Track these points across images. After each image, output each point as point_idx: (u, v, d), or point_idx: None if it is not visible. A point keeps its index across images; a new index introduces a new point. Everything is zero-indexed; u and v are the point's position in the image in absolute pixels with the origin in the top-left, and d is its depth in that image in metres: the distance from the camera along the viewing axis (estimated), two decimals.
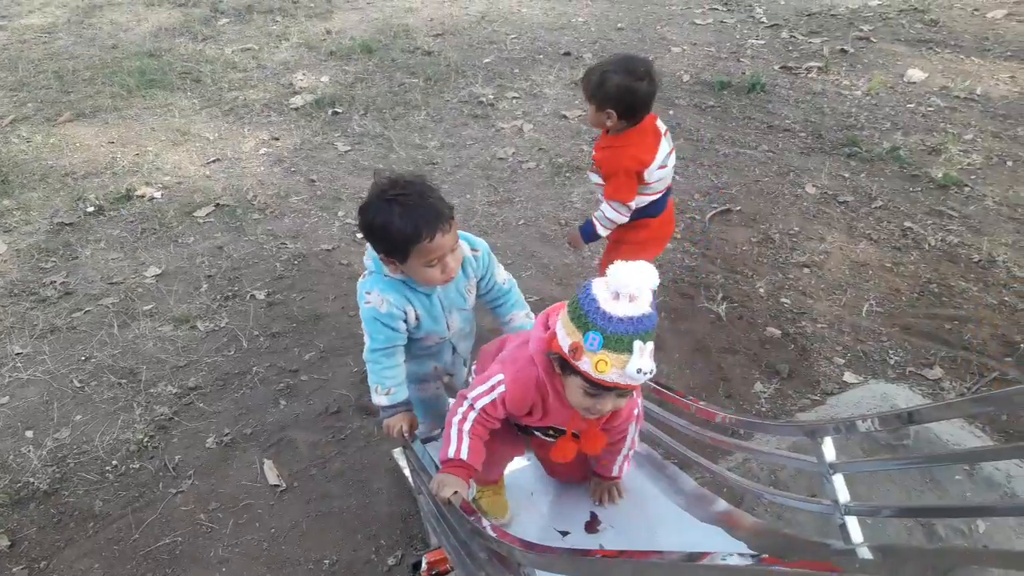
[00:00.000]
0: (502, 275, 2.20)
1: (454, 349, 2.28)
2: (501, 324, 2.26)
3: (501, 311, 2.23)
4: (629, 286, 1.48)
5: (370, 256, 2.05)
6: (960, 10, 6.80)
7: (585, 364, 1.50)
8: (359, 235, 2.07)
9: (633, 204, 2.72)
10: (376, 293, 2.01)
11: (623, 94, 2.55)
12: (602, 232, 2.81)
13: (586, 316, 1.49)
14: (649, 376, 1.52)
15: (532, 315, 2.22)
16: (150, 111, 5.45)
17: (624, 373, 1.48)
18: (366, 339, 2.05)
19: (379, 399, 2.08)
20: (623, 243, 2.89)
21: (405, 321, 2.04)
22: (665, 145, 2.70)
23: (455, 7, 7.65)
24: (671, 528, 1.96)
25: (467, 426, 1.73)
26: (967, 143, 4.51)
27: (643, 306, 1.50)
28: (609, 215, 2.73)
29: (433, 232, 1.83)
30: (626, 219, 2.76)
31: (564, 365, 1.58)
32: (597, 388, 1.54)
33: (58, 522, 2.47)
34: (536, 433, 1.87)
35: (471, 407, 1.73)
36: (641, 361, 1.48)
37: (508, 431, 1.91)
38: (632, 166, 2.63)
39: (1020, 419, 2.69)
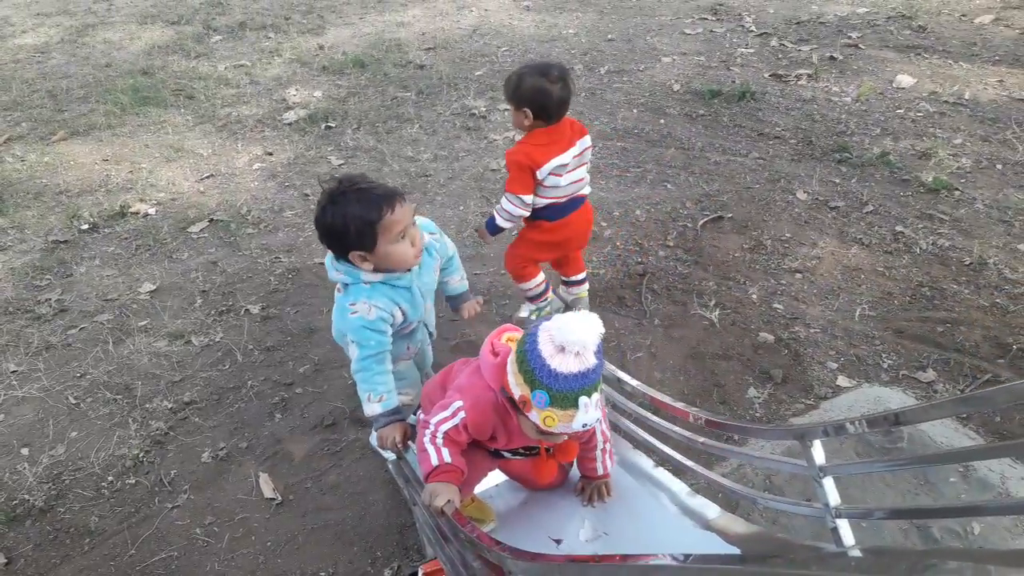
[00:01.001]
0: (452, 246, 2.37)
1: (426, 326, 2.39)
2: (440, 285, 2.36)
3: (442, 275, 2.35)
4: (574, 342, 1.49)
5: (337, 269, 2.08)
6: (947, 16, 6.86)
7: (533, 417, 1.55)
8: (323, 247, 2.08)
9: (529, 200, 2.84)
10: (362, 302, 2.04)
11: (536, 95, 2.70)
12: (502, 223, 2.91)
13: (533, 373, 1.51)
14: (593, 424, 1.57)
15: (466, 279, 2.44)
16: (144, 128, 5.47)
17: (570, 426, 1.54)
18: (354, 351, 2.08)
19: (372, 408, 2.09)
20: (522, 240, 3.09)
21: (392, 323, 2.09)
22: (573, 155, 2.82)
23: (447, 21, 7.70)
24: (665, 535, 1.96)
25: (439, 440, 1.75)
26: (956, 147, 4.54)
27: (588, 359, 1.51)
28: (505, 206, 2.87)
29: (392, 205, 1.92)
30: (523, 212, 2.88)
31: (514, 404, 1.61)
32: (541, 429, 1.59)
33: (54, 539, 2.47)
34: (506, 455, 1.90)
35: (435, 433, 1.75)
36: (586, 416, 1.53)
37: (476, 451, 1.92)
38: (522, 161, 2.76)
39: (1013, 420, 2.70)
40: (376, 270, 2.04)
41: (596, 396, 1.54)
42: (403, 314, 2.14)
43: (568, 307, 3.35)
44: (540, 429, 1.57)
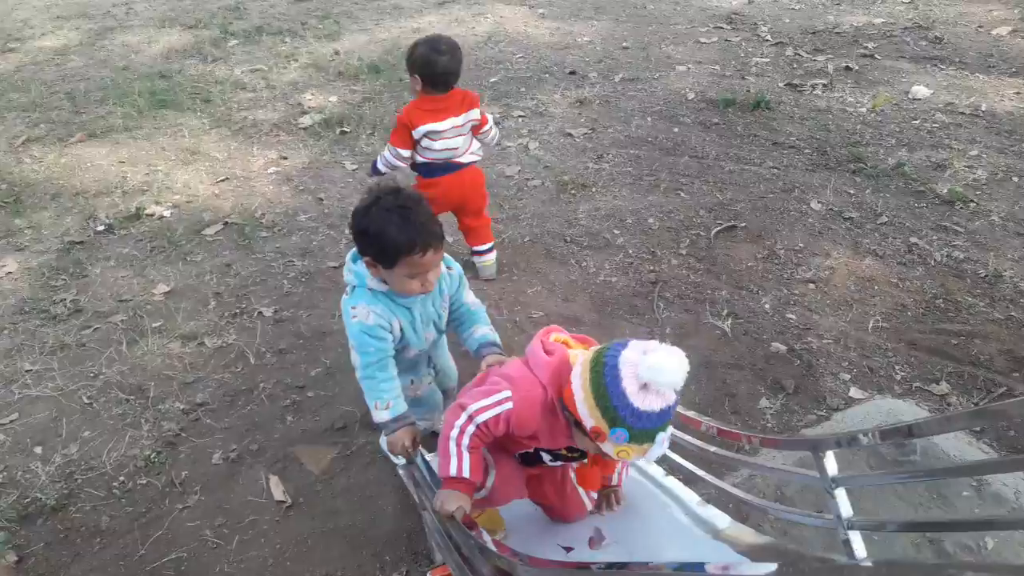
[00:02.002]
0: (471, 298, 2.29)
1: (429, 359, 2.39)
2: (462, 339, 2.28)
3: (463, 327, 2.29)
4: (664, 383, 1.44)
5: (351, 270, 2.10)
6: (964, 27, 6.83)
7: (607, 448, 1.51)
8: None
9: (406, 154, 3.29)
10: (362, 306, 2.05)
11: (424, 64, 3.15)
12: (381, 167, 3.38)
13: (615, 411, 1.45)
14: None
15: (495, 331, 2.27)
16: (160, 131, 5.51)
17: (644, 458, 1.53)
18: (357, 358, 2.08)
19: (380, 415, 2.10)
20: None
21: (391, 334, 2.09)
22: (451, 126, 3.22)
23: (462, 28, 7.72)
24: (675, 544, 1.96)
25: (465, 441, 1.69)
26: (972, 159, 4.52)
27: (670, 396, 1.47)
28: (384, 154, 3.34)
29: (426, 248, 1.91)
30: (398, 163, 3.34)
31: (578, 425, 1.56)
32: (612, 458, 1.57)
33: (65, 538, 2.49)
34: (543, 455, 1.83)
35: (470, 420, 1.67)
36: (661, 449, 1.51)
37: (513, 471, 1.90)
38: (403, 119, 3.22)
39: None
40: (382, 280, 2.06)
41: (670, 429, 1.51)
42: (401, 331, 2.13)
43: (476, 272, 3.69)
44: (607, 455, 1.55)
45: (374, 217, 1.92)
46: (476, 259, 3.67)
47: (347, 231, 4.05)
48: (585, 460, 1.85)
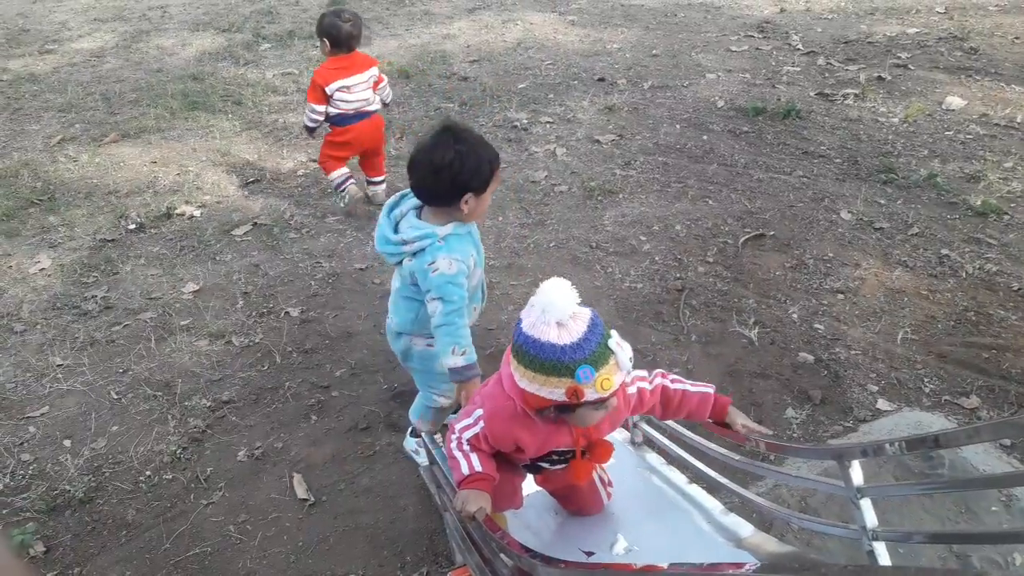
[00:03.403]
0: None
1: (482, 284, 2.45)
2: None
3: None
4: (564, 310, 1.48)
5: (417, 232, 2.14)
6: (1000, 38, 6.74)
7: (591, 394, 1.50)
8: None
9: (321, 109, 4.04)
10: (441, 258, 2.11)
11: (330, 29, 3.95)
12: (307, 123, 4.17)
13: (560, 362, 1.47)
14: (631, 355, 1.54)
15: None
16: (192, 132, 5.58)
17: (622, 370, 1.52)
18: (439, 306, 2.12)
19: (455, 360, 2.15)
20: (324, 142, 4.28)
21: (468, 275, 2.17)
22: (358, 81, 4.02)
23: (492, 34, 7.76)
24: (697, 551, 1.94)
25: (465, 447, 1.74)
26: (1007, 171, 4.46)
27: (583, 312, 1.50)
28: (307, 111, 4.10)
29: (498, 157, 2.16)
30: (317, 117, 4.08)
31: (562, 408, 1.57)
32: (604, 399, 1.54)
33: (92, 530, 2.52)
34: (543, 465, 1.84)
35: (460, 440, 1.75)
36: (624, 350, 1.51)
37: (506, 471, 1.89)
38: (316, 79, 3.98)
39: None
40: (466, 219, 2.17)
41: (614, 331, 1.53)
42: (474, 261, 2.23)
43: (370, 199, 4.45)
44: (602, 400, 1.53)
45: (461, 147, 2.06)
46: (372, 188, 4.48)
47: (373, 233, 4.08)
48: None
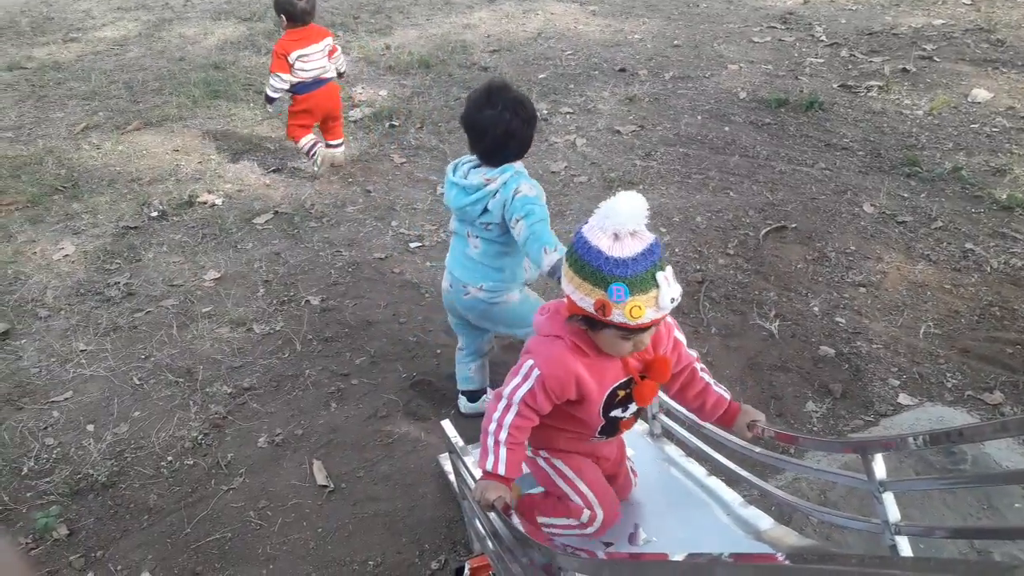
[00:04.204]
0: None
1: None
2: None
3: None
4: (627, 221, 1.44)
5: (494, 172, 2.39)
6: None
7: (617, 316, 1.45)
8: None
9: (286, 77, 4.41)
10: (523, 184, 2.37)
11: (287, 5, 4.36)
12: (271, 94, 4.54)
13: (600, 271, 1.44)
14: (679, 298, 1.48)
15: None
16: (214, 121, 5.61)
17: (659, 308, 1.46)
18: (524, 222, 2.32)
19: (551, 258, 2.28)
20: (289, 113, 4.68)
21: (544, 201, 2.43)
22: (315, 50, 4.42)
23: (512, 24, 7.73)
24: (715, 543, 1.94)
25: (503, 435, 1.66)
26: None
27: (646, 235, 1.46)
28: (271, 82, 4.45)
29: None
30: (282, 86, 4.44)
31: (591, 323, 1.53)
32: (633, 331, 1.50)
33: (114, 513, 2.55)
34: (616, 415, 1.75)
35: (508, 406, 1.65)
36: (671, 289, 1.46)
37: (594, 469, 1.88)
38: (278, 50, 4.37)
39: None
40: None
41: (669, 268, 1.47)
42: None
43: (333, 163, 4.81)
44: (629, 327, 1.48)
45: (526, 115, 2.36)
46: (333, 150, 4.81)
47: (393, 223, 4.08)
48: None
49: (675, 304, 1.48)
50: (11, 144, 5.34)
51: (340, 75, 4.75)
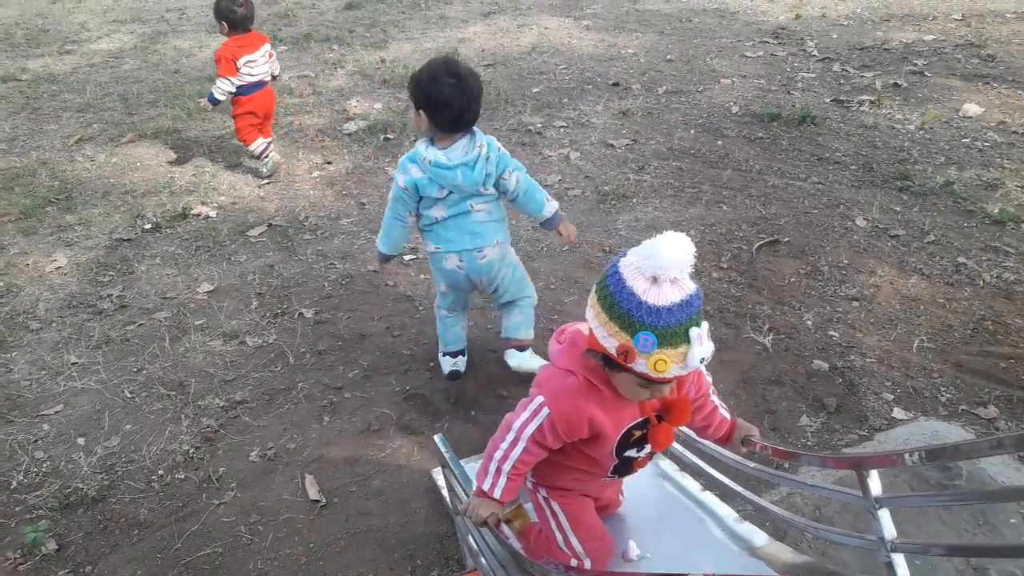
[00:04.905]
0: None
1: None
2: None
3: None
4: (669, 267, 1.31)
5: (472, 141, 2.63)
6: (1018, 45, 6.69)
7: (640, 366, 1.35)
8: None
9: (236, 80, 4.65)
10: (495, 143, 2.68)
11: (227, 13, 4.57)
12: (218, 96, 4.70)
13: (630, 315, 1.32)
14: (709, 357, 1.36)
15: None
16: (208, 133, 5.61)
17: (686, 366, 1.35)
18: (519, 174, 2.72)
19: (551, 206, 2.80)
20: (235, 116, 4.83)
21: None
22: (259, 55, 4.69)
23: (507, 39, 7.77)
24: (710, 559, 1.93)
25: (507, 466, 1.61)
26: None
27: (687, 284, 1.34)
28: (220, 84, 4.65)
29: None
30: (230, 88, 4.67)
31: (609, 363, 1.43)
32: (654, 382, 1.40)
33: (104, 528, 2.53)
34: (631, 455, 1.69)
35: (516, 439, 1.59)
36: (702, 349, 1.34)
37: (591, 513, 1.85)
38: (226, 55, 4.58)
39: None
40: None
41: (706, 325, 1.35)
42: None
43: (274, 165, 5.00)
44: (649, 378, 1.38)
45: (473, 72, 2.62)
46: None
47: None
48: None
49: (704, 364, 1.38)
50: (4, 156, 5.33)
51: (274, 78, 5.00)
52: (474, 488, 1.71)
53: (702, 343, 1.34)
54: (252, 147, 4.91)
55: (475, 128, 2.64)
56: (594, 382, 1.52)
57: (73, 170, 5.08)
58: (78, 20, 9.19)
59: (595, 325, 1.41)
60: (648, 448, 1.68)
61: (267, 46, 4.78)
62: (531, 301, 3.01)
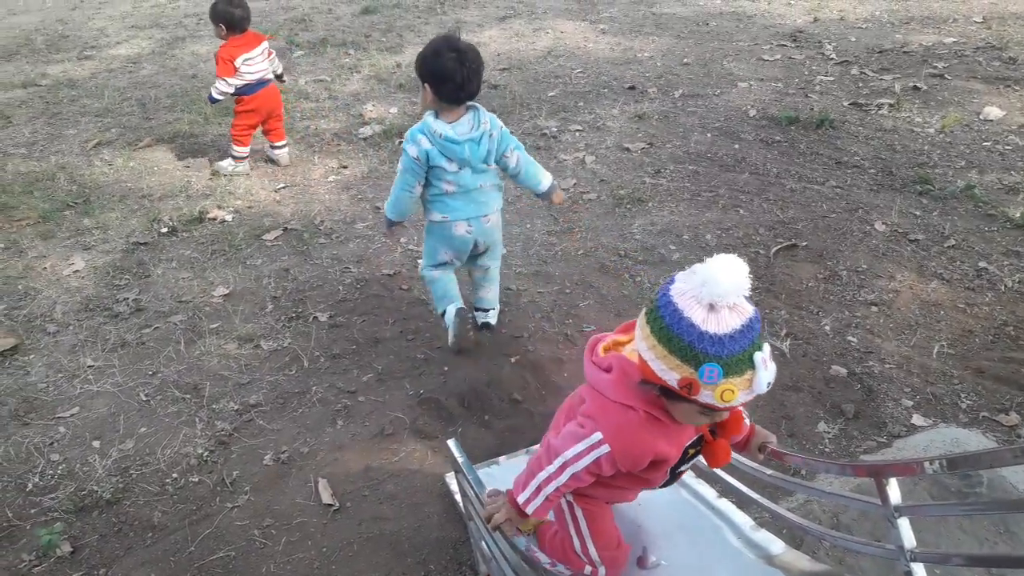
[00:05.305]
0: None
1: None
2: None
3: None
4: (728, 293, 1.26)
5: (475, 117, 2.85)
6: None
7: (706, 397, 1.30)
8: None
9: (233, 81, 4.73)
10: (497, 120, 2.93)
11: (225, 15, 4.65)
12: (216, 96, 4.82)
13: (692, 348, 1.26)
14: (774, 382, 1.31)
15: None
16: (225, 138, 5.62)
17: (752, 391, 1.30)
18: (519, 152, 2.98)
19: (548, 179, 3.09)
20: (236, 114, 4.93)
21: None
22: (257, 53, 4.75)
23: (522, 42, 7.76)
24: (726, 567, 1.90)
25: (549, 489, 1.56)
26: None
27: (746, 308, 1.29)
28: (218, 85, 4.75)
29: None
30: (228, 89, 4.75)
31: (668, 393, 1.38)
32: (716, 408, 1.34)
33: (118, 531, 2.53)
34: (680, 468, 1.67)
35: (562, 469, 1.54)
36: (767, 372, 1.29)
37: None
38: (224, 55, 4.66)
39: None
40: None
41: (767, 347, 1.30)
42: None
43: (276, 161, 5.14)
44: (715, 408, 1.33)
45: (472, 46, 2.84)
46: (276, 152, 5.15)
47: (402, 240, 4.08)
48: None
49: (769, 388, 1.32)
50: (24, 160, 5.39)
51: (279, 77, 5.10)
52: (504, 492, 1.68)
53: (767, 367, 1.29)
54: (239, 150, 5.01)
55: (479, 106, 2.85)
56: (654, 414, 1.47)
57: (91, 174, 5.12)
58: (97, 26, 9.28)
59: (651, 358, 1.34)
60: (695, 459, 1.66)
61: (265, 44, 4.84)
62: (500, 264, 3.33)
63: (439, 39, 2.81)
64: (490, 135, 2.82)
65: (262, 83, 4.86)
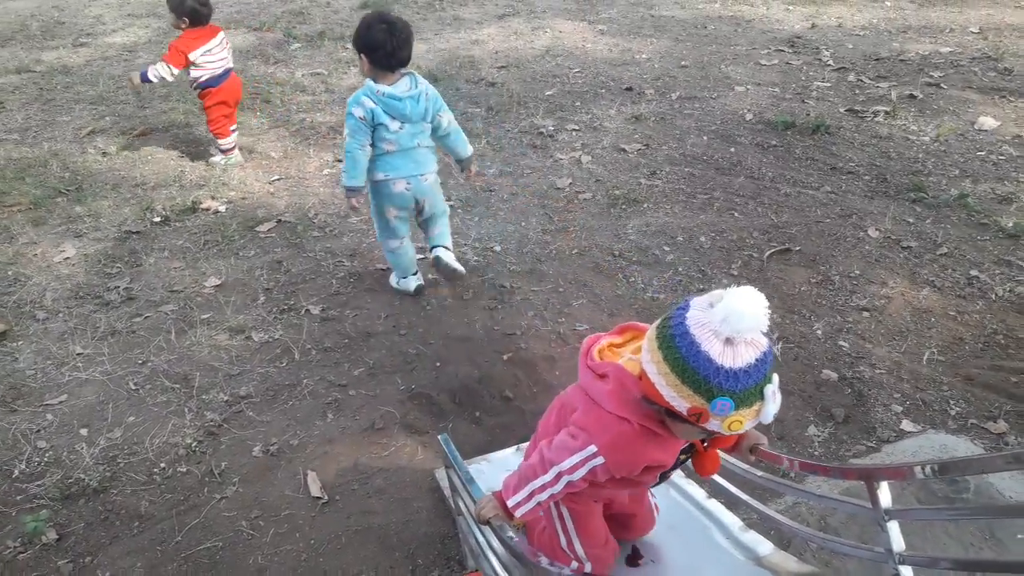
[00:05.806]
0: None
1: None
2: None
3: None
4: (750, 330, 1.25)
5: (410, 80, 3.17)
6: None
7: (714, 426, 1.30)
8: None
9: (176, 71, 4.70)
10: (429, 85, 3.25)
11: (189, 11, 4.64)
12: (151, 77, 4.68)
13: (707, 381, 1.25)
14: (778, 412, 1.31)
15: None
16: None
17: (758, 421, 1.31)
18: (449, 115, 3.35)
19: (471, 148, 3.52)
20: (207, 109, 4.91)
21: None
22: (215, 44, 4.75)
23: (521, 41, 7.76)
24: (714, 567, 1.91)
25: (542, 496, 1.56)
26: None
27: (762, 341, 1.27)
28: (159, 68, 4.66)
29: None
30: (168, 78, 4.72)
31: (672, 414, 1.36)
32: (721, 436, 1.36)
33: (105, 519, 2.52)
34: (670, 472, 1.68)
35: (556, 480, 1.53)
36: (775, 404, 1.29)
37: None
38: (180, 46, 4.64)
39: None
40: None
41: (776, 378, 1.29)
42: None
43: (219, 148, 5.08)
44: (719, 434, 1.34)
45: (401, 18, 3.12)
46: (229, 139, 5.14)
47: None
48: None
49: (776, 416, 1.31)
50: (16, 146, 5.35)
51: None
52: (491, 493, 1.67)
53: (775, 399, 1.29)
54: (224, 141, 5.01)
55: (413, 72, 3.17)
56: (649, 427, 1.46)
57: (84, 162, 5.09)
58: (93, 13, 9.23)
59: (661, 384, 1.32)
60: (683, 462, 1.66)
61: (222, 34, 4.84)
62: (447, 213, 3.59)
63: (371, 15, 3.08)
64: (426, 95, 3.15)
65: (226, 74, 4.88)
